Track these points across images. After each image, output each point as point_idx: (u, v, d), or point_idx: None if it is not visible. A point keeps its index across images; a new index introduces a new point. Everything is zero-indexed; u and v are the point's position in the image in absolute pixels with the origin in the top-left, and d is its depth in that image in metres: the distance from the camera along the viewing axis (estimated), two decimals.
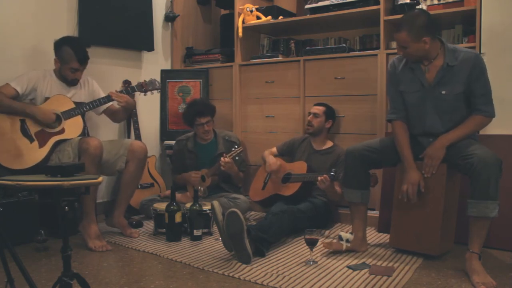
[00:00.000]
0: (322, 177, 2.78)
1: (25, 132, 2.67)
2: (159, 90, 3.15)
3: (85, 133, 2.90)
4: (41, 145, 2.67)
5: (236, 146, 3.17)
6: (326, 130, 3.17)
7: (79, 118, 2.80)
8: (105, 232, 2.95)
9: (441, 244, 2.36)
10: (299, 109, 3.45)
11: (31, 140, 2.67)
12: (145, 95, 3.10)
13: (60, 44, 2.81)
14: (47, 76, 2.84)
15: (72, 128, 2.76)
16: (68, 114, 2.76)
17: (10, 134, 2.64)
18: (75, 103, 2.82)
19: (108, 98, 2.90)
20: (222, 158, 3.10)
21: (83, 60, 2.84)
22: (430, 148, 2.32)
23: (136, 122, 3.60)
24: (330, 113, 3.16)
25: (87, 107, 2.84)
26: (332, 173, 2.77)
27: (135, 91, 3.04)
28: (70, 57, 2.77)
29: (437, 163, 2.30)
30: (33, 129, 2.69)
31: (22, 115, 2.67)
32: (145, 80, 3.08)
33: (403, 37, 2.26)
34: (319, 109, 3.14)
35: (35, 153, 2.65)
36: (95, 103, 2.86)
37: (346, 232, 2.56)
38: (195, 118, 3.27)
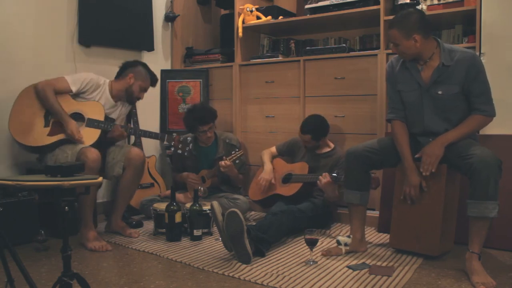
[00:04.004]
0: (323, 175, 2.78)
1: (47, 115, 2.73)
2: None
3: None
4: (51, 134, 2.70)
5: (236, 150, 3.16)
6: (324, 142, 3.13)
7: (97, 132, 2.78)
8: (105, 232, 2.96)
9: (441, 244, 2.36)
10: (299, 109, 3.45)
11: (46, 125, 2.71)
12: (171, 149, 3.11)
13: (134, 64, 3.02)
14: (101, 85, 2.90)
15: (86, 137, 2.74)
16: (92, 124, 2.78)
17: (35, 109, 2.72)
18: (108, 118, 2.87)
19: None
20: (221, 162, 3.09)
21: (154, 84, 3.07)
22: (427, 147, 2.32)
23: (136, 122, 3.59)
24: (319, 136, 3.06)
25: (111, 126, 2.84)
26: (335, 174, 2.77)
27: (164, 140, 2.99)
28: (146, 78, 3.00)
29: (435, 161, 2.29)
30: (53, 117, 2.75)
31: (55, 117, 2.71)
32: (179, 137, 3.02)
33: (394, 33, 2.29)
34: (306, 138, 3.04)
35: (41, 137, 2.68)
36: (122, 127, 2.89)
37: (343, 235, 2.56)
38: (197, 126, 3.21)
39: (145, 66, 3.04)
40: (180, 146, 2.96)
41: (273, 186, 3.13)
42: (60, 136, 2.70)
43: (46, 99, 2.69)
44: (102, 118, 2.81)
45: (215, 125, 3.33)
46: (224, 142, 3.36)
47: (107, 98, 2.92)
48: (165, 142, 3.00)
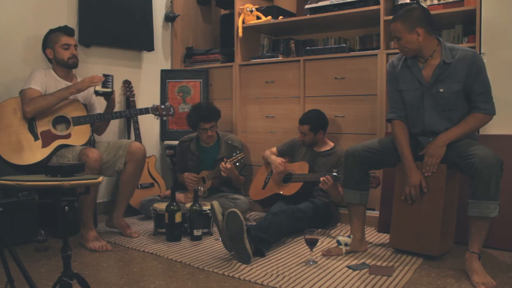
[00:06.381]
0: (324, 178, 2.77)
1: (31, 128, 2.67)
2: (173, 116, 3.12)
3: (90, 142, 2.86)
4: (45, 145, 2.67)
5: (237, 152, 3.16)
6: (322, 137, 3.14)
7: (87, 127, 2.78)
8: (105, 232, 2.96)
9: (441, 244, 2.36)
10: (299, 109, 3.45)
11: (36, 138, 2.67)
12: (157, 119, 3.10)
13: (45, 38, 2.87)
14: (47, 75, 2.82)
15: (79, 135, 2.75)
16: (78, 121, 2.76)
17: (16, 127, 2.65)
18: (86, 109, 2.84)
19: (121, 114, 2.91)
20: (222, 164, 3.08)
21: (70, 32, 2.85)
22: (430, 146, 2.32)
23: (136, 122, 3.60)
24: (317, 127, 3.07)
25: (99, 117, 2.83)
26: (335, 174, 2.77)
27: (149, 113, 2.98)
28: (56, 35, 2.82)
29: (437, 161, 2.30)
30: (40, 127, 2.69)
31: (69, 96, 2.70)
32: (161, 105, 3.03)
33: (397, 26, 2.30)
34: (304, 129, 3.08)
35: (37, 152, 2.65)
36: (107, 116, 2.86)
37: (343, 235, 2.56)
38: (199, 123, 3.23)
39: (51, 30, 2.87)
40: (163, 113, 3.01)
41: (278, 180, 3.13)
42: (55, 144, 2.68)
43: (47, 106, 2.65)
44: (84, 112, 2.80)
45: (217, 125, 3.33)
46: (226, 143, 3.36)
47: (60, 82, 2.84)
48: (151, 113, 2.99)
